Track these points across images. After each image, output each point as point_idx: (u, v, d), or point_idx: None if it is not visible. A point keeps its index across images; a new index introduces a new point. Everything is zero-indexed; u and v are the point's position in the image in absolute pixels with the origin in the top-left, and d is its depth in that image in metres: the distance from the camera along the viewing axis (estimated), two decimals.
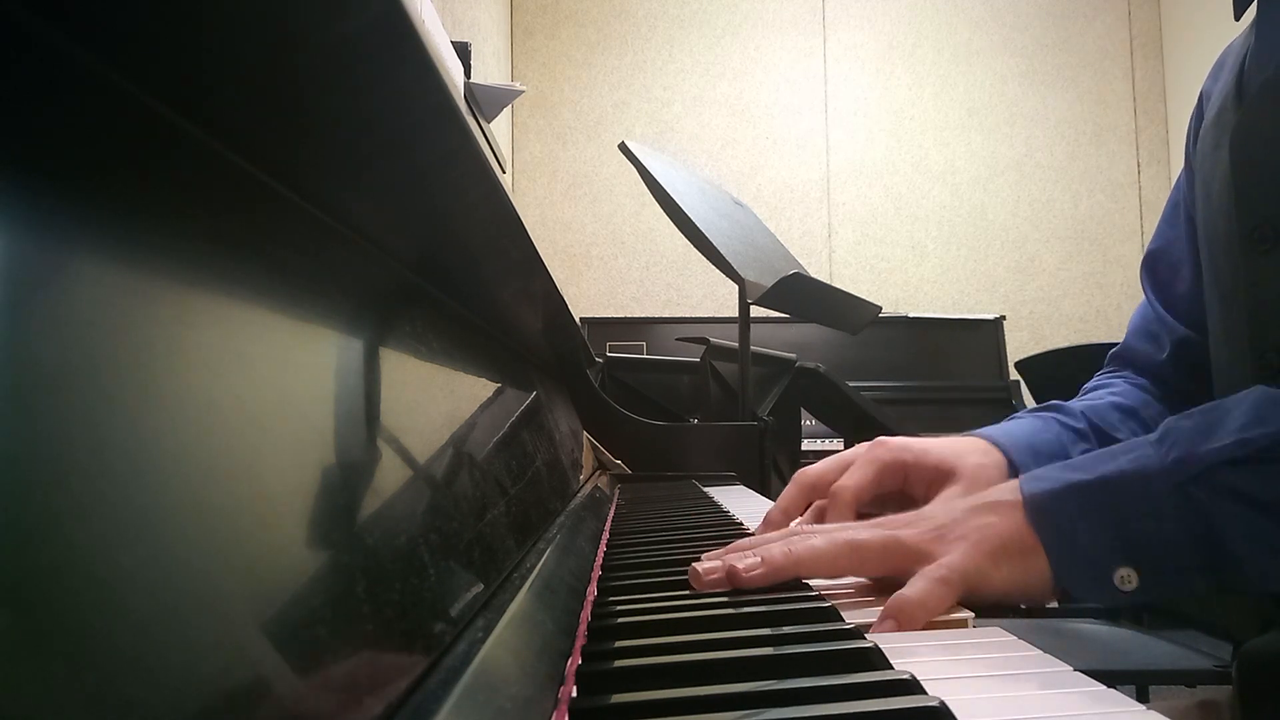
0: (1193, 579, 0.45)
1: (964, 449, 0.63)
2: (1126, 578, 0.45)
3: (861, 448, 0.63)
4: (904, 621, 0.42)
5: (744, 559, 0.47)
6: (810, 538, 0.48)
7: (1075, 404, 0.73)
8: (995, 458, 0.63)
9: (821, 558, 0.47)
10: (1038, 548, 0.46)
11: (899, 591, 0.43)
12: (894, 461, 0.61)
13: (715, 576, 0.47)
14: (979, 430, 0.67)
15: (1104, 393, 0.76)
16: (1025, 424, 0.69)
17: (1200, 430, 0.47)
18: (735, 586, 0.46)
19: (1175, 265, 0.76)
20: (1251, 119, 0.62)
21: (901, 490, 0.61)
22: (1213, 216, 0.66)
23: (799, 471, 0.64)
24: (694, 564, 0.48)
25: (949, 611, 0.44)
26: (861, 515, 0.59)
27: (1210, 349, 0.69)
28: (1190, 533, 0.45)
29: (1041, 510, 0.47)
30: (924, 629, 0.42)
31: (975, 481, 0.59)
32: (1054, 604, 0.50)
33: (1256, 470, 0.45)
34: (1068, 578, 0.46)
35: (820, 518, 0.61)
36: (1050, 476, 0.49)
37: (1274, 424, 0.45)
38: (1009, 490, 0.49)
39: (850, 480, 0.61)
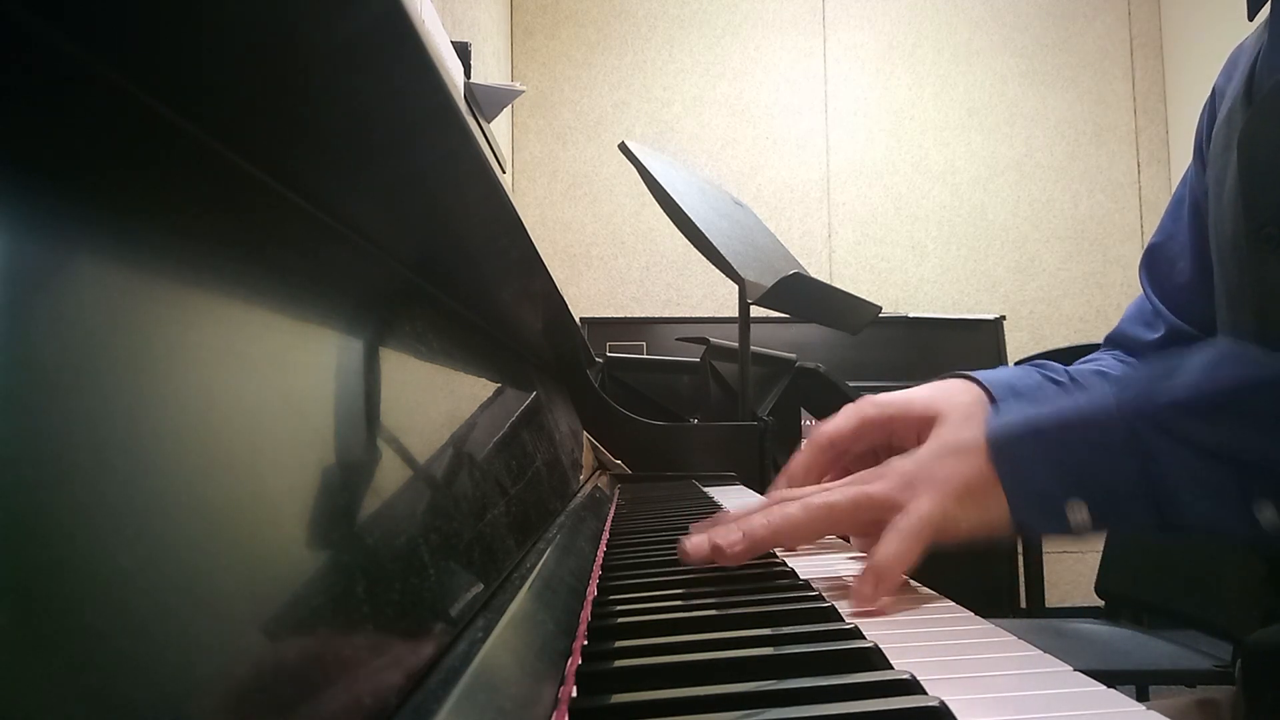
0: (1139, 516, 0.47)
1: (947, 391, 0.64)
2: (1078, 512, 0.47)
3: (849, 406, 0.64)
4: (884, 578, 0.44)
5: (726, 535, 0.49)
6: (786, 507, 0.50)
7: (1059, 366, 0.74)
8: (976, 393, 0.64)
9: (799, 525, 0.49)
10: (997, 484, 0.48)
11: (873, 550, 0.46)
12: (878, 416, 0.62)
13: (702, 552, 0.49)
14: (959, 370, 0.67)
15: (1090, 363, 0.77)
16: (1007, 370, 0.70)
17: (1158, 375, 0.49)
18: (719, 563, 0.48)
19: (1173, 259, 0.77)
20: (1259, 121, 0.62)
21: (889, 443, 0.62)
22: (1222, 215, 0.66)
23: (813, 434, 0.66)
24: (682, 541, 0.50)
25: (908, 590, 0.47)
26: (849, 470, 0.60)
27: None
28: (1138, 470, 0.47)
29: (1001, 449, 0.49)
30: (902, 609, 0.44)
31: (960, 420, 0.59)
32: (1011, 539, 0.53)
33: (1204, 416, 0.47)
34: (1023, 512, 0.48)
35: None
36: (1012, 415, 0.51)
37: (1226, 373, 0.47)
38: (972, 432, 0.51)
39: (828, 426, 0.62)
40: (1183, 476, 0.46)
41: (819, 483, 0.63)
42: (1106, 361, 0.78)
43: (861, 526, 0.50)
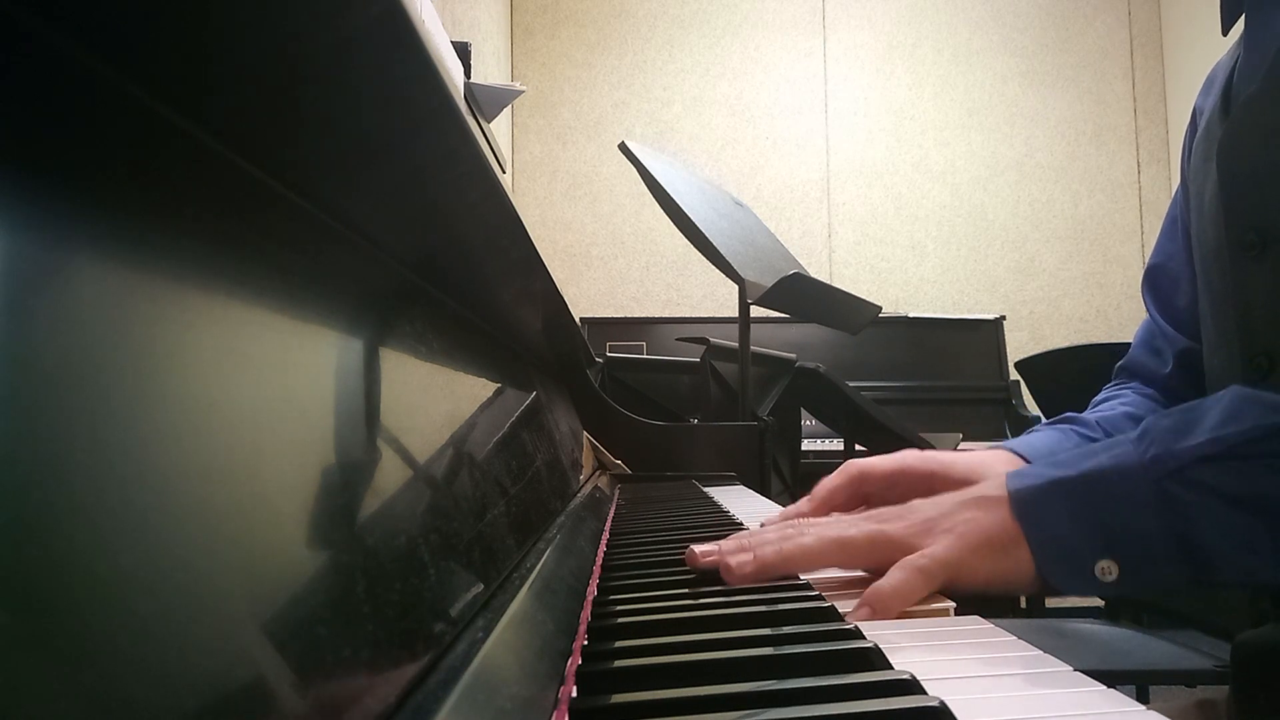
0: (1169, 571, 0.47)
1: (990, 460, 0.65)
2: (1107, 570, 0.47)
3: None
4: (879, 609, 0.44)
5: (737, 555, 0.49)
6: (802, 535, 0.50)
7: (1090, 415, 0.75)
8: (1019, 465, 0.65)
9: (810, 554, 0.49)
10: (1021, 541, 0.48)
11: (877, 581, 0.45)
12: (920, 469, 0.63)
13: (711, 559, 0.49)
14: (1003, 443, 0.69)
15: (1116, 403, 0.78)
16: (1046, 435, 0.70)
17: (1177, 428, 0.49)
18: (725, 579, 0.48)
19: (1175, 279, 0.78)
20: (1237, 130, 0.63)
21: (923, 498, 0.62)
22: (1204, 226, 0.67)
23: (848, 462, 0.67)
24: (692, 546, 0.50)
25: (930, 601, 0.46)
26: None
27: (1204, 356, 0.70)
28: (1166, 527, 0.47)
29: (1025, 505, 0.49)
30: (907, 617, 0.44)
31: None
32: (1034, 595, 0.52)
33: (1228, 466, 0.46)
34: (1049, 570, 0.48)
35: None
36: (1035, 473, 0.50)
37: (1247, 422, 0.47)
38: (995, 487, 0.50)
39: (867, 460, 0.64)
40: (1213, 530, 0.46)
41: (842, 510, 0.63)
42: (1130, 398, 0.78)
43: (874, 565, 0.49)
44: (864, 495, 0.63)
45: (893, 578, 0.45)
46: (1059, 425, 0.73)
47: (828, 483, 0.63)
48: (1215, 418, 0.48)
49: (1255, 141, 0.62)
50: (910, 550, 0.48)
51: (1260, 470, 0.46)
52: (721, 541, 0.51)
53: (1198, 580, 0.47)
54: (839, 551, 0.49)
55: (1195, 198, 0.70)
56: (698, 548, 0.50)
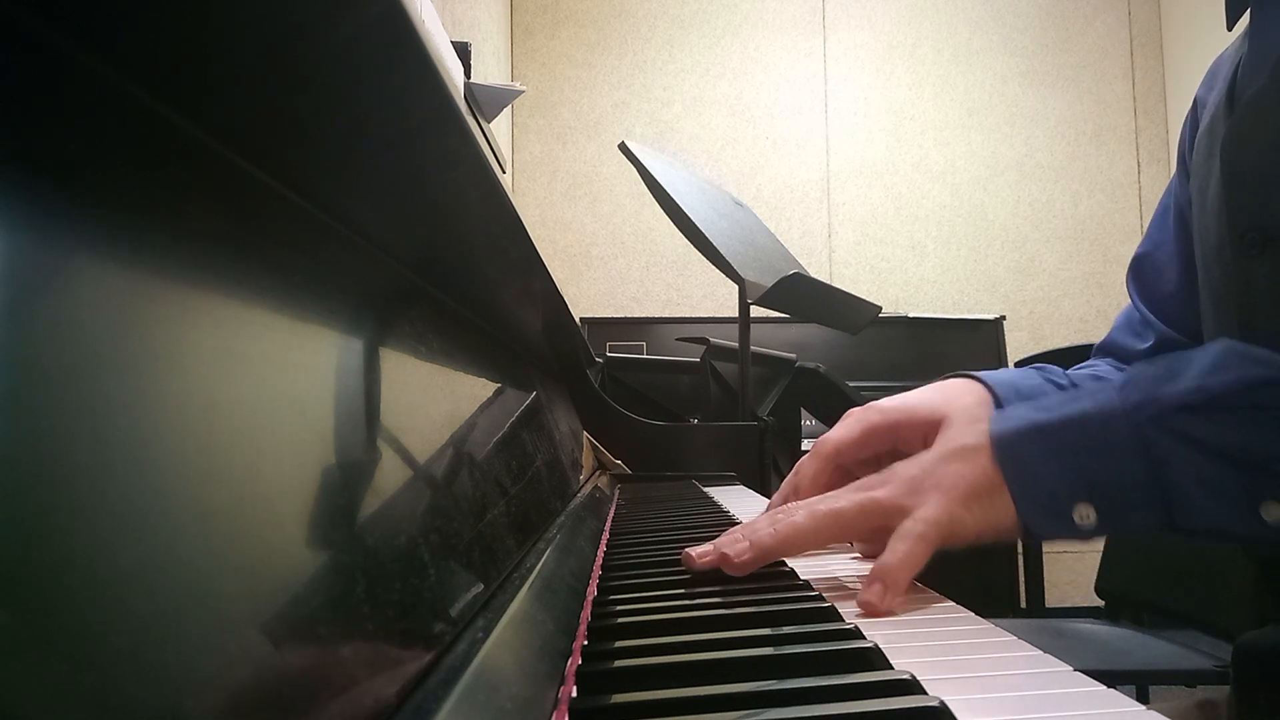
0: (1146, 517, 0.47)
1: (951, 392, 0.63)
2: (1085, 514, 0.47)
3: (853, 411, 0.64)
4: (890, 584, 0.44)
5: (734, 545, 0.49)
6: (793, 515, 0.50)
7: (1059, 369, 0.74)
8: (980, 394, 0.63)
9: (805, 533, 0.49)
10: (1003, 486, 0.48)
11: (880, 556, 0.46)
12: (883, 422, 0.62)
13: (708, 559, 0.49)
14: (961, 371, 0.67)
15: (1086, 370, 0.78)
16: (1010, 371, 0.70)
17: (1162, 376, 0.49)
18: (727, 571, 0.48)
19: (1160, 268, 0.78)
20: (1241, 127, 0.63)
21: (895, 449, 0.62)
22: (1206, 222, 0.67)
23: (818, 443, 0.65)
24: (687, 550, 0.50)
25: (917, 592, 0.46)
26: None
27: None
28: (1145, 473, 0.47)
29: (1006, 450, 0.49)
30: (906, 611, 0.44)
31: (965, 422, 0.59)
32: (1018, 539, 0.53)
33: (1210, 416, 0.47)
34: (1029, 514, 0.48)
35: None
36: (1016, 416, 0.51)
37: (1232, 373, 0.47)
38: (977, 434, 0.50)
39: (833, 434, 0.62)
40: (1189, 478, 0.46)
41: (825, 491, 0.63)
42: (1101, 368, 0.78)
43: (868, 533, 0.50)
44: (844, 469, 0.63)
45: (895, 550, 0.46)
46: (1024, 368, 0.72)
47: (808, 470, 0.62)
48: (1201, 367, 0.48)
49: (1259, 140, 0.62)
50: (901, 512, 0.48)
51: (1241, 422, 0.46)
52: (715, 540, 0.51)
53: (1172, 527, 0.47)
54: (833, 524, 0.49)
55: (1198, 194, 0.69)
56: (693, 550, 0.50)
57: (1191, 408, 0.47)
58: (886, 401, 0.63)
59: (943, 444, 0.52)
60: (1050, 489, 0.48)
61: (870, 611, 0.43)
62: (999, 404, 0.63)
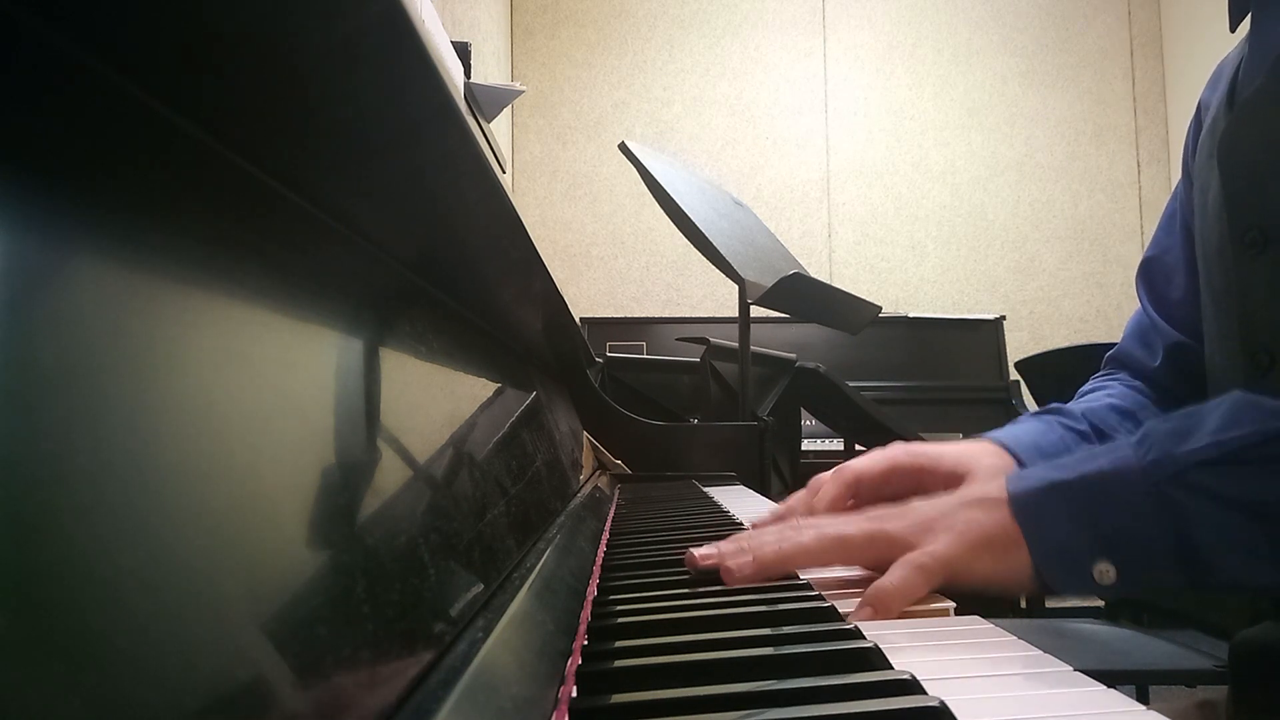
0: (1167, 574, 0.47)
1: (977, 452, 0.65)
2: (1104, 572, 0.47)
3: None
4: (880, 608, 0.44)
5: (736, 556, 0.49)
6: (800, 534, 0.50)
7: (1075, 406, 0.75)
8: (1005, 460, 0.64)
9: (809, 553, 0.50)
10: (1020, 542, 0.48)
11: (878, 579, 0.46)
12: (909, 462, 0.63)
13: (710, 563, 0.49)
14: (988, 434, 0.68)
15: (1101, 395, 0.77)
16: (1030, 426, 0.70)
17: (1177, 433, 0.49)
18: (726, 582, 0.48)
19: (1169, 273, 0.78)
20: (1239, 127, 0.63)
21: (915, 492, 0.62)
22: (1207, 222, 0.67)
23: (841, 468, 0.66)
24: (691, 549, 0.50)
25: (929, 601, 0.46)
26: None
27: (1205, 353, 0.70)
28: (1165, 530, 0.47)
29: (1025, 507, 0.49)
30: (908, 617, 0.44)
31: (987, 477, 0.60)
32: (1031, 595, 0.52)
33: (1228, 471, 0.47)
34: (1048, 571, 0.48)
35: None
36: (1034, 475, 0.51)
37: (1246, 426, 0.47)
38: (995, 488, 0.51)
39: (858, 463, 0.63)
40: (1212, 534, 0.46)
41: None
42: (1116, 390, 0.78)
43: (873, 563, 0.50)
44: (861, 500, 0.63)
45: (894, 575, 0.46)
46: (1043, 416, 0.73)
47: (827, 491, 0.62)
48: (1216, 422, 0.48)
49: (1256, 140, 0.62)
50: (908, 547, 0.48)
51: (1260, 475, 0.46)
52: (720, 544, 0.51)
53: (1195, 584, 0.47)
54: (839, 549, 0.50)
55: (1199, 194, 0.70)
56: (696, 551, 0.50)
57: (1209, 463, 0.47)
58: (915, 445, 0.64)
59: (964, 492, 0.52)
60: (1069, 547, 0.48)
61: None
62: (1021, 467, 0.64)
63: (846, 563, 0.51)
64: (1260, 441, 0.46)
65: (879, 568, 0.48)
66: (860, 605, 0.44)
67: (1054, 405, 0.74)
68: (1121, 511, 0.48)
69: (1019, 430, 0.70)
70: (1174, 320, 0.77)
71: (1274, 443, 0.46)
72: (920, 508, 0.51)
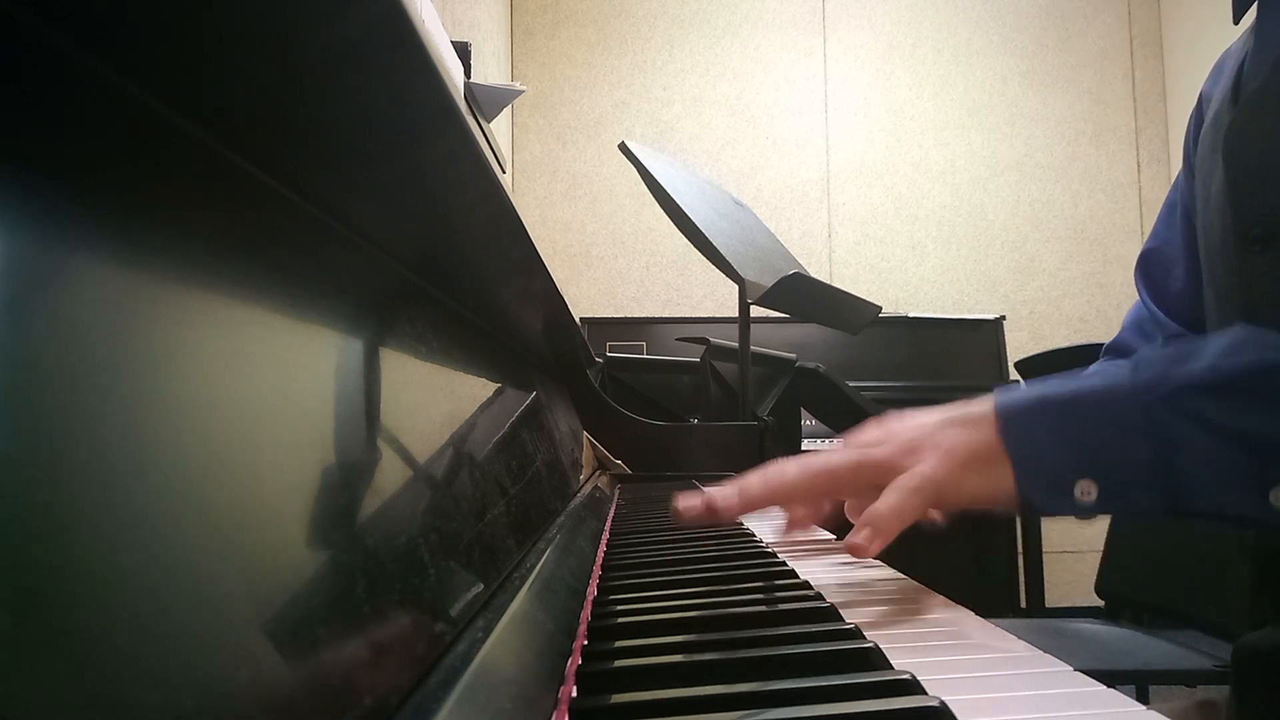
0: (1149, 496, 0.46)
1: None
2: (1086, 490, 0.46)
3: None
4: (879, 530, 0.44)
5: (721, 491, 0.49)
6: (784, 467, 0.50)
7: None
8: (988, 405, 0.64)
9: (795, 484, 0.49)
10: (1004, 457, 0.48)
11: (873, 504, 0.45)
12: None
13: (695, 511, 0.49)
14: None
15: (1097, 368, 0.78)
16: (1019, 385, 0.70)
17: (1175, 357, 0.48)
18: (713, 518, 0.48)
19: (1169, 265, 0.77)
20: (1245, 122, 0.62)
21: None
22: (1210, 217, 0.67)
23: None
24: (674, 503, 0.50)
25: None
26: None
27: None
28: (1151, 451, 0.46)
29: (1010, 421, 0.48)
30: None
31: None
32: (1015, 513, 0.52)
33: (1222, 398, 0.46)
34: (1029, 487, 0.47)
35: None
36: (1022, 391, 0.50)
37: (1247, 356, 0.46)
38: (981, 404, 0.50)
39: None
40: (1197, 458, 0.45)
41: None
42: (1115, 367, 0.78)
43: (860, 490, 0.49)
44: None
45: (888, 499, 0.45)
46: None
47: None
48: (1216, 350, 0.47)
49: (1262, 135, 0.61)
50: (895, 470, 0.47)
51: (1254, 405, 0.45)
52: (706, 490, 0.50)
53: (1173, 509, 0.46)
54: (825, 479, 0.49)
55: (1201, 188, 0.69)
56: (681, 502, 0.49)
57: (1204, 389, 0.46)
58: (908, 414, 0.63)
59: (947, 410, 0.51)
60: (1052, 463, 0.47)
61: (857, 553, 0.43)
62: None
63: (836, 494, 0.50)
64: (1259, 372, 0.46)
65: (867, 498, 0.47)
66: (857, 528, 0.44)
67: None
68: (1107, 428, 0.47)
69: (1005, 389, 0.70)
70: (1173, 312, 0.77)
71: (1272, 374, 0.46)
72: (903, 429, 0.50)
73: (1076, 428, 0.47)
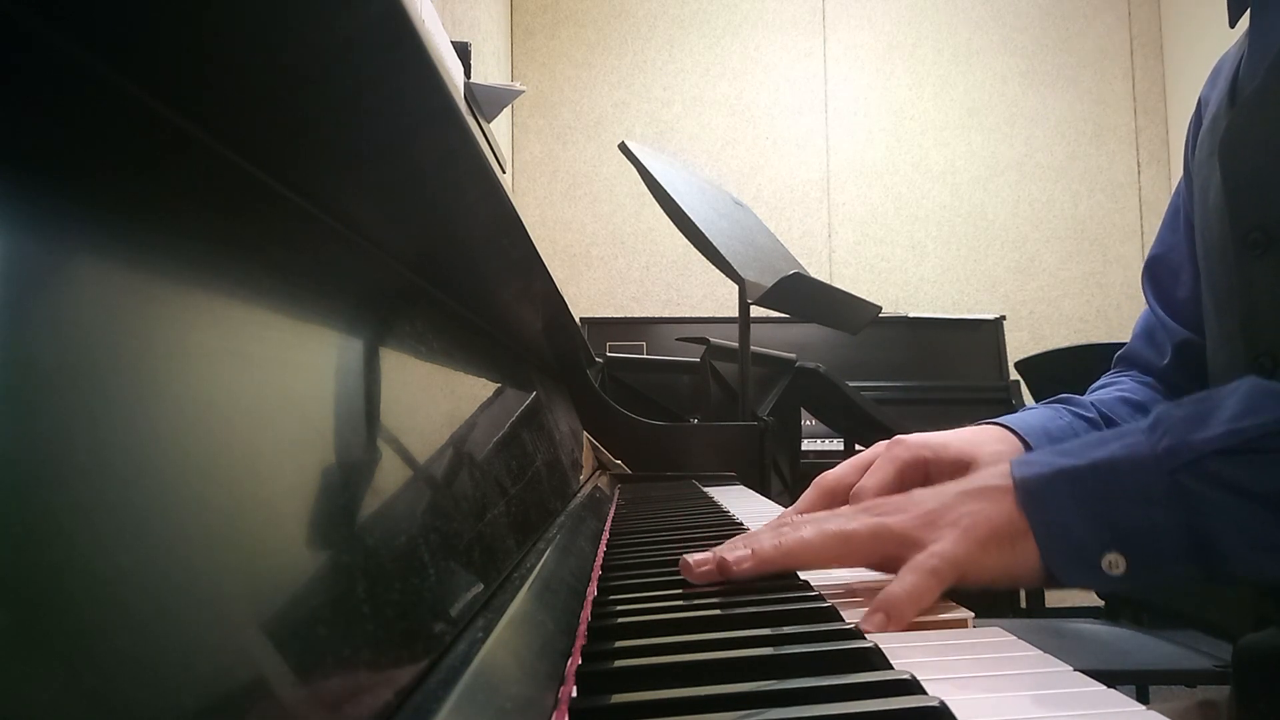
0: (1180, 566, 0.45)
1: (982, 438, 0.63)
2: (1114, 563, 0.45)
3: (879, 448, 0.62)
4: (894, 616, 0.42)
5: (734, 551, 0.47)
6: (800, 529, 0.49)
7: (1085, 397, 0.74)
8: (1012, 443, 0.63)
9: (810, 548, 0.48)
10: (1027, 533, 0.46)
11: (888, 585, 0.44)
12: (914, 459, 0.61)
13: (706, 569, 0.47)
14: (994, 419, 0.67)
15: (1112, 389, 0.77)
16: (1039, 412, 0.69)
17: (1192, 419, 0.47)
18: (725, 578, 0.47)
19: (1175, 271, 0.77)
20: (1241, 125, 0.62)
21: (922, 484, 0.61)
22: (1208, 221, 0.66)
23: (819, 476, 0.63)
24: (685, 556, 0.48)
25: (945, 610, 0.44)
26: None
27: (1208, 353, 0.70)
28: (1179, 521, 0.45)
29: (1031, 495, 0.47)
30: (924, 629, 0.42)
31: (993, 463, 0.58)
32: (1040, 587, 0.50)
33: (1246, 460, 0.45)
34: (1056, 563, 0.46)
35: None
36: (1041, 461, 0.49)
37: (1265, 414, 0.46)
38: (1000, 475, 0.49)
39: (871, 480, 0.60)
40: (1227, 525, 0.44)
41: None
42: (1127, 385, 0.78)
43: (877, 560, 0.48)
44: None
45: (905, 581, 0.44)
46: (1052, 404, 0.72)
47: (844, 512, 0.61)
48: (1231, 409, 0.47)
49: (1259, 139, 0.61)
50: (914, 544, 0.46)
51: (1277, 464, 0.45)
52: (717, 548, 0.49)
53: (1208, 576, 0.45)
54: (841, 546, 0.48)
55: (1199, 193, 0.69)
56: (692, 559, 0.48)
57: (1225, 452, 0.45)
58: (915, 437, 0.62)
59: (968, 481, 0.50)
60: (1078, 537, 0.46)
61: (868, 632, 0.42)
62: (1030, 451, 0.62)
63: (849, 561, 0.49)
64: (1277, 430, 0.45)
65: (882, 566, 0.47)
66: (870, 612, 0.42)
67: (1063, 395, 0.74)
68: (1134, 500, 0.46)
69: (1026, 415, 0.68)
70: (1181, 318, 0.77)
71: None
72: (923, 499, 0.49)
73: (1100, 500, 0.46)
